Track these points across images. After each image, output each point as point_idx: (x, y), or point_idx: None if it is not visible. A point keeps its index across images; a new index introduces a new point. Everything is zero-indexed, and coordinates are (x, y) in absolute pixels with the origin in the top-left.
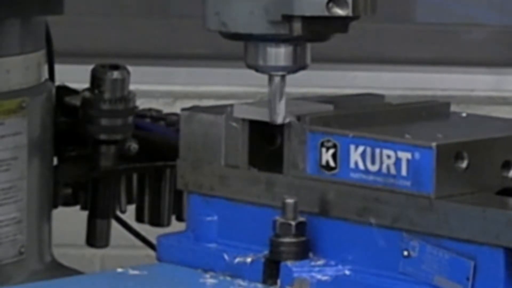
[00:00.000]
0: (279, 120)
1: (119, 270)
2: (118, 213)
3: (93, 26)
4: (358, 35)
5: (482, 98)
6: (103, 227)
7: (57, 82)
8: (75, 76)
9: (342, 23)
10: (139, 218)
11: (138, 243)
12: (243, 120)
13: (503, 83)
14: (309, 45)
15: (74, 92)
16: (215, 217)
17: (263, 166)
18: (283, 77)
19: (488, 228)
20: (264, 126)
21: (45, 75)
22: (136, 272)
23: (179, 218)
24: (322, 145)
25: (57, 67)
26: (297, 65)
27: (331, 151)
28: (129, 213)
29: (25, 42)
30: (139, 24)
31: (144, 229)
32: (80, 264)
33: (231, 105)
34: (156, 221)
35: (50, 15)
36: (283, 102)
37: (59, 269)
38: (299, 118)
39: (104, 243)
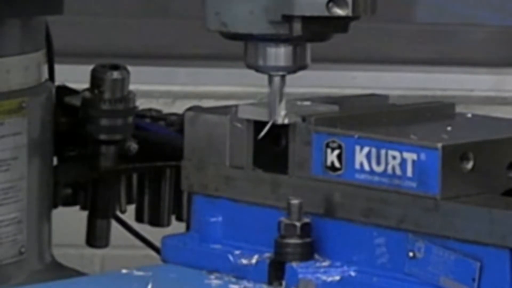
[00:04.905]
0: (279, 120)
1: (124, 271)
2: (118, 213)
3: (93, 26)
4: (358, 35)
5: (482, 98)
6: (103, 227)
7: (57, 82)
8: (75, 76)
9: (342, 23)
10: (139, 218)
11: (138, 243)
12: (248, 120)
13: (503, 83)
14: (309, 45)
15: (74, 92)
16: (220, 218)
17: (268, 167)
18: (283, 77)
19: (494, 229)
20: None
21: (45, 75)
22: (140, 273)
23: (179, 218)
24: (327, 146)
25: (57, 67)
26: (297, 65)
27: (336, 152)
28: (129, 213)
29: (25, 42)
30: (139, 24)
31: (144, 229)
32: (80, 264)
33: (236, 106)
34: (156, 221)
35: (50, 15)
36: (283, 102)
37: (59, 269)
38: (304, 118)
39: (104, 243)
